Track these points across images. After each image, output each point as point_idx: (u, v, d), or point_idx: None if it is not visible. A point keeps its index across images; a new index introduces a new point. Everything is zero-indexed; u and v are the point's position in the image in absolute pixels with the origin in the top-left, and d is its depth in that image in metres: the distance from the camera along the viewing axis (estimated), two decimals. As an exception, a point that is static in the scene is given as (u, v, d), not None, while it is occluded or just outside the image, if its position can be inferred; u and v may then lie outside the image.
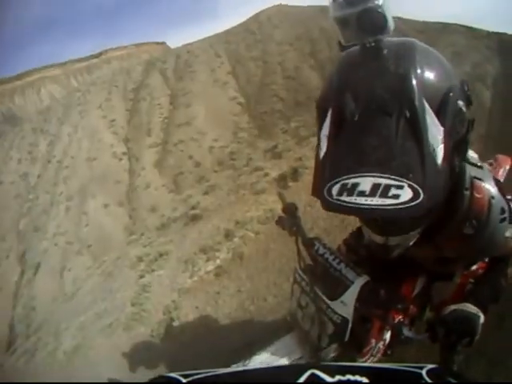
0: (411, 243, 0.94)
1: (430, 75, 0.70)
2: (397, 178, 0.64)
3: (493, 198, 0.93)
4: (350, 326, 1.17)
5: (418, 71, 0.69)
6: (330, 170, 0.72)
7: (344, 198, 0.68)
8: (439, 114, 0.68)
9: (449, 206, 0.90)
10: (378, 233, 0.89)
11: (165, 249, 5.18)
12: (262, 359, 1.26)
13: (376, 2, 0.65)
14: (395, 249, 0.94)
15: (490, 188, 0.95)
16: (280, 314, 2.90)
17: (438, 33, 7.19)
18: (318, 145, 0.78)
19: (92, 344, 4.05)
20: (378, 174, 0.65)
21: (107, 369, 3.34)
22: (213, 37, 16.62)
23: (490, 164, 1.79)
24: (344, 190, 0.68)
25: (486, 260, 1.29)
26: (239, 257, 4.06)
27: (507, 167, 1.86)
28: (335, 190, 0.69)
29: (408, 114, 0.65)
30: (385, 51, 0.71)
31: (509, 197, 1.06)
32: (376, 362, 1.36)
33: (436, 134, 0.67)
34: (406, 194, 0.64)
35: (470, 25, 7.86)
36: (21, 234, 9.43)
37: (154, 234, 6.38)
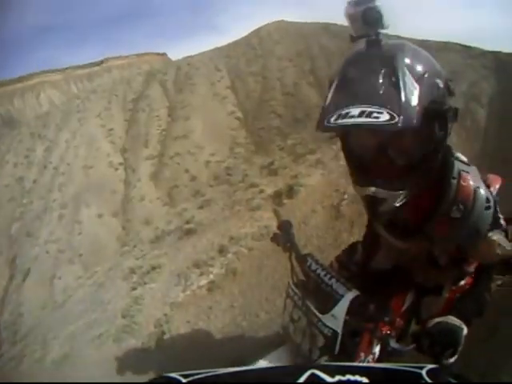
0: (397, 204, 1.05)
1: (414, 58, 0.94)
2: (378, 107, 0.86)
3: (478, 187, 1.08)
4: (339, 338, 1.20)
5: (405, 54, 0.94)
6: (331, 106, 0.95)
7: (339, 121, 0.90)
8: (418, 80, 0.91)
9: (438, 193, 1.07)
10: (369, 183, 1.04)
11: (158, 262, 5.19)
12: None
13: (375, 3, 0.91)
14: (382, 204, 1.06)
15: (476, 180, 1.10)
16: (272, 330, 2.94)
17: (435, 51, 7.32)
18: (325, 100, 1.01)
19: (81, 354, 4.05)
20: (365, 105, 0.87)
21: (95, 379, 3.35)
22: (213, 50, 16.75)
23: None
24: (339, 117, 0.90)
25: (473, 276, 1.38)
26: (232, 272, 4.10)
27: (497, 186, 1.95)
28: (333, 118, 0.91)
29: (391, 72, 0.89)
30: (382, 42, 0.96)
31: (502, 222, 1.18)
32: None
33: (411, 87, 0.89)
34: (385, 117, 0.84)
35: (466, 43, 8.05)
36: (12, 238, 9.34)
37: (148, 247, 6.38)
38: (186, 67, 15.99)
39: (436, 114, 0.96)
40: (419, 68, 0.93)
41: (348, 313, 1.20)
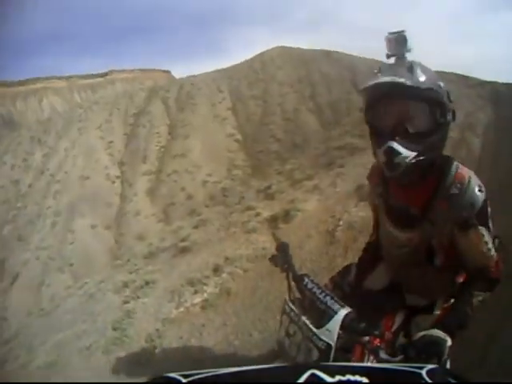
0: (409, 160, 1.28)
1: (424, 66, 1.26)
2: (404, 79, 1.18)
3: (472, 176, 1.33)
4: (333, 351, 1.26)
5: (418, 63, 1.26)
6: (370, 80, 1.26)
7: (376, 81, 1.21)
8: (424, 73, 1.22)
9: (438, 185, 1.34)
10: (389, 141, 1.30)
11: (152, 277, 5.20)
12: None
13: (403, 33, 1.25)
14: (398, 156, 1.29)
15: (470, 172, 1.36)
16: (265, 349, 2.99)
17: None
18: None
19: (68, 362, 4.02)
20: (395, 78, 1.19)
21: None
22: (216, 71, 17.14)
23: None
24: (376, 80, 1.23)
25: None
26: (227, 292, 4.13)
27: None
28: (371, 82, 1.23)
29: (411, 69, 1.22)
30: (406, 61, 1.27)
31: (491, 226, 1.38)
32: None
33: (422, 78, 1.21)
34: (407, 83, 1.17)
35: (463, 73, 8.60)
36: (3, 240, 9.28)
37: (141, 262, 6.38)
38: (188, 86, 16.32)
39: (437, 101, 1.24)
40: (426, 70, 1.26)
41: (341, 327, 1.29)
